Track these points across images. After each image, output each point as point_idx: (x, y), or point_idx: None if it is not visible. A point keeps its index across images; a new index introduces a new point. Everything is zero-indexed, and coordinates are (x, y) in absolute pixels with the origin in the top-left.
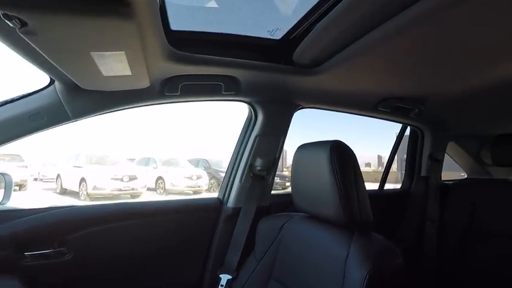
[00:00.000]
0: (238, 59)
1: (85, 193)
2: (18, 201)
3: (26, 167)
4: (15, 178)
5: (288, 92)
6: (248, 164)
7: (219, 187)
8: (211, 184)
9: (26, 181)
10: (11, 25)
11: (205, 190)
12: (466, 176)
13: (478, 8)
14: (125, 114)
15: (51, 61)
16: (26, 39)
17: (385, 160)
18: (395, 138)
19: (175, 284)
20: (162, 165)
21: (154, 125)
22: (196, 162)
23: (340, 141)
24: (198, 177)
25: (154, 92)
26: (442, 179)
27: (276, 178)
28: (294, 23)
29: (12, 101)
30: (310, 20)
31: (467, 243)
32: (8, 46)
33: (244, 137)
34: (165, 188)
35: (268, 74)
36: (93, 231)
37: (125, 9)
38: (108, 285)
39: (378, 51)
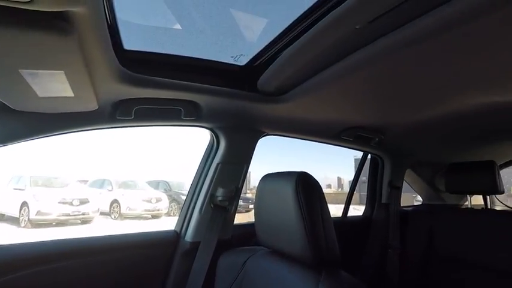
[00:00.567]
0: (199, 84)
1: (26, 219)
2: None
3: None
4: None
5: (251, 119)
6: (209, 194)
7: (180, 210)
8: (171, 207)
9: None
10: None
11: (165, 214)
12: (421, 201)
13: (429, 49)
14: (78, 134)
15: None
16: None
17: (344, 182)
18: (353, 161)
19: None
20: (119, 188)
21: (111, 144)
22: (156, 184)
23: (306, 173)
24: (158, 200)
25: (104, 115)
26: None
27: (240, 201)
28: (259, 50)
29: None
30: (274, 48)
31: (427, 269)
32: None
33: (205, 165)
34: (120, 212)
35: (231, 100)
36: (22, 276)
37: (63, 24)
38: None
39: (340, 84)
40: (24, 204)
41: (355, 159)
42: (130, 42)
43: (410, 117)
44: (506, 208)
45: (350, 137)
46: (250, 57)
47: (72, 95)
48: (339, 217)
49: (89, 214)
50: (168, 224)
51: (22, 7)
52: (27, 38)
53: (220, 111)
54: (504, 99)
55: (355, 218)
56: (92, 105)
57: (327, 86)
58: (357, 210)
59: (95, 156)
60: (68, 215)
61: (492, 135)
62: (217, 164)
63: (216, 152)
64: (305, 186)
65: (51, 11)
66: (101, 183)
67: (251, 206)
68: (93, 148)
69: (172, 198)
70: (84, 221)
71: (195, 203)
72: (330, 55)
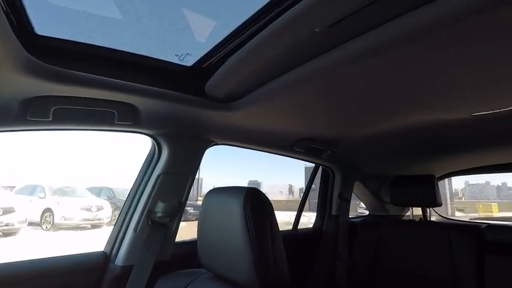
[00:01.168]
0: (137, 84)
1: None
2: None
3: None
4: None
5: (198, 126)
6: (146, 210)
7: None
8: (114, 216)
9: None
10: None
11: (107, 223)
12: (364, 207)
13: (375, 66)
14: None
15: None
16: None
17: (294, 189)
18: (304, 170)
19: None
20: (53, 195)
21: (47, 146)
22: (98, 191)
23: (255, 189)
24: (99, 209)
25: (9, 115)
26: None
27: (189, 208)
28: (208, 50)
29: None
30: (225, 49)
31: (373, 280)
32: None
33: (143, 176)
34: (53, 222)
35: (174, 105)
36: None
37: None
38: None
39: (292, 94)
40: None
41: (306, 168)
42: (44, 27)
43: (360, 131)
44: (440, 218)
45: (302, 148)
46: (198, 57)
47: None
48: (290, 230)
49: (13, 225)
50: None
51: None
52: None
53: (162, 117)
54: (444, 116)
55: (305, 230)
56: None
57: (279, 95)
58: (304, 216)
59: (24, 160)
60: None
61: (432, 150)
62: (158, 175)
63: (157, 162)
64: (254, 203)
65: None
66: (31, 190)
67: None
68: (24, 150)
69: (116, 206)
70: (7, 233)
71: (130, 220)
72: (282, 63)
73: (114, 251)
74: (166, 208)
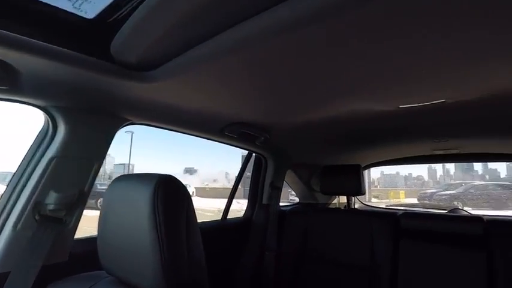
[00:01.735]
0: (14, 34)
1: None
2: None
3: None
4: None
5: (106, 99)
6: (32, 201)
7: None
8: None
9: None
10: None
11: None
12: (297, 200)
13: (310, 43)
14: None
15: None
16: None
17: (231, 177)
18: (241, 158)
19: None
20: None
21: None
22: (3, 177)
23: (170, 176)
24: None
25: None
26: None
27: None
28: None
29: None
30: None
31: (301, 268)
32: None
33: (31, 159)
34: None
35: (69, 68)
36: None
37: None
38: None
39: (217, 68)
40: None
41: (243, 156)
42: None
43: (293, 119)
44: (362, 205)
45: (234, 133)
46: (102, 8)
47: None
48: (218, 220)
49: None
50: None
51: None
52: None
53: (53, 83)
54: (373, 108)
55: (235, 220)
56: None
57: (202, 67)
58: (239, 204)
59: None
60: None
61: (360, 141)
62: (51, 159)
63: (50, 142)
64: (167, 193)
65: None
66: None
67: None
68: None
69: None
70: None
71: (8, 215)
72: (203, 26)
73: None
74: (62, 199)
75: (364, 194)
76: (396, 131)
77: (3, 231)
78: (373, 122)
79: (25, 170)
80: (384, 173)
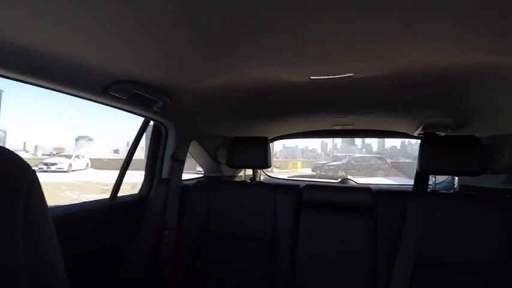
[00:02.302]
0: None
1: None
2: None
3: None
4: None
5: None
6: None
7: None
8: None
9: None
10: None
11: None
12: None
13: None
14: None
15: None
16: None
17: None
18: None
19: None
20: None
21: None
22: None
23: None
24: None
25: None
26: None
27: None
28: None
29: None
30: None
31: (203, 245)
32: None
33: None
34: None
35: None
36: None
37: None
38: None
39: (100, 10)
40: None
41: (138, 132)
42: None
43: (196, 82)
44: (267, 177)
45: (124, 94)
46: None
47: None
48: (107, 199)
49: None
50: None
51: None
52: None
53: None
54: (284, 77)
55: (128, 198)
56: None
57: None
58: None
59: None
60: None
61: (269, 112)
62: None
63: None
64: None
65: None
66: None
67: None
68: None
69: None
70: None
71: None
72: None
73: None
74: None
75: (270, 166)
76: (305, 105)
77: None
78: (284, 94)
79: None
80: (285, 146)
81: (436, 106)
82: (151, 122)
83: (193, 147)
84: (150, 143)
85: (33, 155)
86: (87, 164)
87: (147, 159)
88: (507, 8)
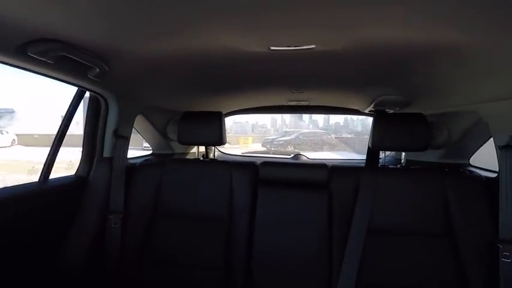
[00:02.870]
0: None
1: None
2: None
3: None
4: None
5: None
6: None
7: None
8: None
9: None
10: None
11: None
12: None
13: None
14: None
15: None
16: None
17: (78, 119)
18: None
19: None
20: None
21: None
22: None
23: None
24: None
25: None
26: None
27: None
28: None
29: None
30: None
31: (154, 227)
32: None
33: None
34: None
35: None
36: None
37: None
38: None
39: None
40: None
41: (71, 104)
42: None
43: (140, 46)
44: (220, 153)
45: (48, 57)
46: None
47: None
48: (36, 182)
49: None
50: None
51: None
52: None
53: None
54: (242, 47)
55: (63, 180)
56: None
57: None
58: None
59: None
60: None
61: (224, 85)
62: None
63: None
64: None
65: None
66: None
67: None
68: None
69: None
70: None
71: None
72: None
73: None
74: None
75: (225, 143)
76: (263, 78)
77: None
78: (241, 65)
79: None
80: (235, 121)
81: (388, 84)
82: (88, 93)
83: (139, 122)
84: (86, 117)
85: None
86: (13, 140)
87: (84, 136)
88: None
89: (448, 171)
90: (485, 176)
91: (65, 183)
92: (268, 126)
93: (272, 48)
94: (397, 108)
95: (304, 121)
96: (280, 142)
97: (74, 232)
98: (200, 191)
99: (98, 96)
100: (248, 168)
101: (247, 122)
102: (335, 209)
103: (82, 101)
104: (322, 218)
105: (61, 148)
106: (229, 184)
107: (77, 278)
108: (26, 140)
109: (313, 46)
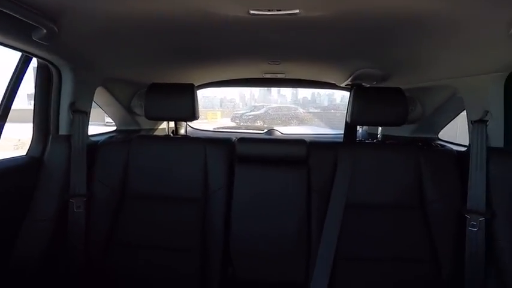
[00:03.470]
0: None
1: None
2: None
3: None
4: None
5: None
6: None
7: None
8: None
9: None
10: None
11: None
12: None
13: None
14: None
15: None
16: None
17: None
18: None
19: None
20: None
21: None
22: None
23: None
24: None
25: None
26: None
27: None
28: None
29: None
30: None
31: (122, 212)
32: None
33: None
34: None
35: None
36: None
37: None
38: None
39: None
40: None
41: (35, 68)
42: None
43: (97, 2)
44: (190, 129)
45: None
46: None
47: None
48: None
49: None
50: None
51: None
52: None
53: None
54: (216, 9)
55: (12, 162)
56: None
57: None
58: None
59: None
60: None
61: (196, 54)
62: None
63: None
64: None
65: None
66: None
67: None
68: None
69: None
70: None
71: None
72: None
73: None
74: None
75: (197, 118)
76: (240, 46)
77: None
78: (217, 32)
79: None
80: (204, 95)
81: (369, 56)
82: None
83: (100, 95)
84: (35, 89)
85: None
86: None
87: (35, 110)
88: None
89: (422, 146)
90: (456, 150)
91: (14, 165)
92: (237, 101)
93: (252, 12)
94: (374, 83)
95: (272, 95)
96: (250, 117)
97: (29, 221)
98: (172, 169)
99: (48, 64)
100: (224, 145)
101: (215, 96)
102: (314, 184)
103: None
104: (302, 194)
105: (8, 125)
106: (204, 162)
107: (35, 273)
108: None
109: (297, 11)
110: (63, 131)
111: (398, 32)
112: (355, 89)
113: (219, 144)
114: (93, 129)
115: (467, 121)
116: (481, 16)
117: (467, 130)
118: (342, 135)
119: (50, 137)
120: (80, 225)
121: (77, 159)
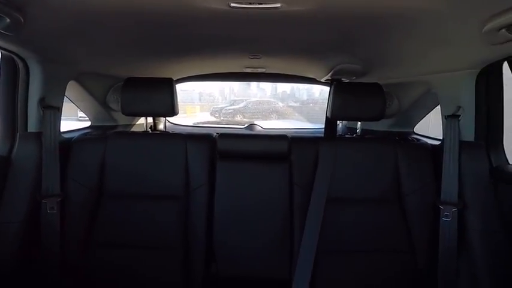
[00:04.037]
0: None
1: None
2: None
3: None
4: None
5: None
6: None
7: None
8: None
9: None
10: None
11: None
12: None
13: None
14: None
15: None
16: None
17: None
18: None
19: None
20: None
21: None
22: None
23: None
24: None
25: None
26: None
27: None
28: None
29: None
30: None
31: (99, 212)
32: None
33: None
34: None
35: None
36: None
37: None
38: None
39: None
40: None
41: None
42: None
43: None
44: (170, 125)
45: None
46: None
47: None
48: None
49: None
50: None
51: None
52: None
53: None
54: (197, 3)
55: None
56: None
57: None
58: None
59: None
60: None
61: (175, 48)
62: None
63: None
64: None
65: None
66: None
67: None
68: None
69: None
70: None
71: None
72: None
73: None
74: None
75: (177, 113)
76: (219, 40)
77: None
78: (196, 24)
79: None
80: (182, 89)
81: (349, 51)
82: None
83: (73, 89)
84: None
85: None
86: None
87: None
88: None
89: (399, 140)
90: (430, 144)
91: None
92: (216, 95)
93: (232, 4)
94: (354, 78)
95: (252, 89)
96: (229, 111)
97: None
98: (151, 167)
99: (14, 56)
100: (205, 141)
101: (193, 90)
102: (296, 180)
103: None
104: (284, 189)
105: None
106: (184, 158)
107: (8, 276)
108: None
109: (279, 5)
110: (32, 128)
111: (376, 28)
112: (335, 85)
113: (200, 140)
114: (65, 124)
115: (441, 116)
116: (455, 14)
117: (439, 123)
118: (323, 130)
119: (18, 134)
120: (53, 226)
121: (48, 157)
